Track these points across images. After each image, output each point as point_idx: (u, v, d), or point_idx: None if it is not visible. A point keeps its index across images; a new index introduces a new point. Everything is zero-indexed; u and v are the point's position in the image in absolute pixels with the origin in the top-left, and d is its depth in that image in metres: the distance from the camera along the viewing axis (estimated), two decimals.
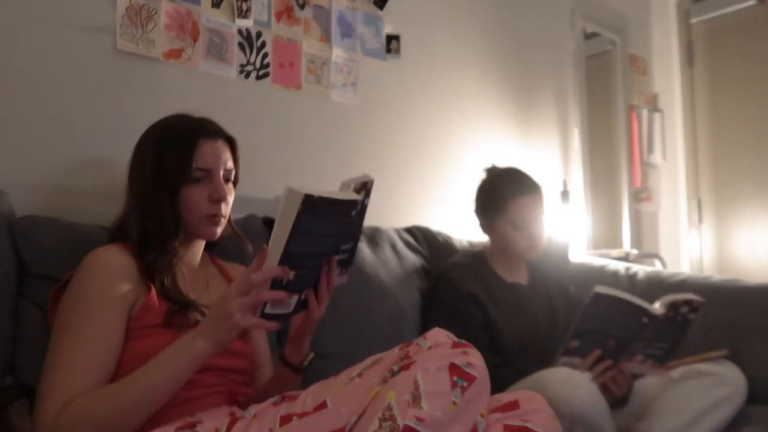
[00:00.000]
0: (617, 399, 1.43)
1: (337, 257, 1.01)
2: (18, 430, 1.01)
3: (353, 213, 0.96)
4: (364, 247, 1.70)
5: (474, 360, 0.86)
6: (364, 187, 0.98)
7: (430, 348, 0.86)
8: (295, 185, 0.85)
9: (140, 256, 1.06)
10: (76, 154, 1.40)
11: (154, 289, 1.04)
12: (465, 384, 0.83)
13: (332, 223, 0.94)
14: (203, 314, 1.06)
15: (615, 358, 1.41)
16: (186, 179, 1.09)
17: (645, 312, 1.36)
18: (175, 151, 1.10)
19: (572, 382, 1.20)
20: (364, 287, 1.63)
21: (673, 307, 1.39)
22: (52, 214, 1.25)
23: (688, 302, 1.41)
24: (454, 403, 0.81)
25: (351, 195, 0.95)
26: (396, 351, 0.90)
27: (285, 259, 0.89)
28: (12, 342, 1.14)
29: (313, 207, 0.86)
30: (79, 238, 1.21)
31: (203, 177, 1.11)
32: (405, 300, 1.71)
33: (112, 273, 1.01)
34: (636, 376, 1.49)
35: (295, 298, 0.97)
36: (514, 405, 0.95)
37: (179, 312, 1.04)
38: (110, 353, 0.98)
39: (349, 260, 1.07)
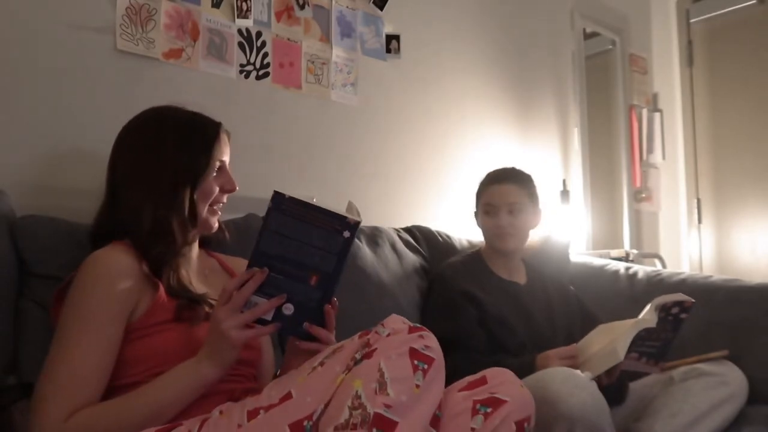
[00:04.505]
0: (604, 389, 1.42)
1: (335, 301, 1.00)
2: (21, 430, 1.01)
3: (345, 234, 0.94)
4: (364, 247, 1.70)
5: (430, 343, 0.90)
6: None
7: (389, 335, 0.89)
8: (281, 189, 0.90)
9: (144, 253, 1.04)
10: (76, 154, 1.40)
11: (161, 286, 1.04)
12: (425, 366, 0.87)
13: (311, 233, 0.93)
14: (212, 306, 1.06)
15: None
16: (210, 171, 1.12)
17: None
18: (200, 144, 1.12)
19: (572, 382, 1.20)
20: (364, 287, 1.63)
21: (663, 309, 1.40)
22: (52, 214, 1.25)
23: (678, 303, 1.42)
24: (417, 386, 0.85)
25: (333, 208, 0.94)
26: (356, 339, 0.92)
27: (257, 259, 0.92)
28: (13, 341, 1.14)
29: (282, 205, 0.89)
30: (79, 238, 1.20)
31: (220, 168, 1.15)
32: (405, 300, 1.71)
33: (113, 277, 1.00)
34: (631, 376, 1.48)
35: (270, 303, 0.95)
36: (482, 381, 1.00)
37: (188, 306, 1.05)
38: (111, 358, 0.99)
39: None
